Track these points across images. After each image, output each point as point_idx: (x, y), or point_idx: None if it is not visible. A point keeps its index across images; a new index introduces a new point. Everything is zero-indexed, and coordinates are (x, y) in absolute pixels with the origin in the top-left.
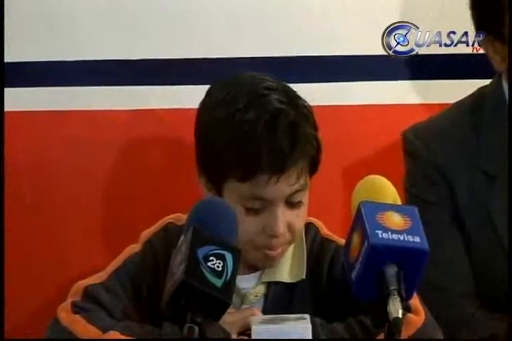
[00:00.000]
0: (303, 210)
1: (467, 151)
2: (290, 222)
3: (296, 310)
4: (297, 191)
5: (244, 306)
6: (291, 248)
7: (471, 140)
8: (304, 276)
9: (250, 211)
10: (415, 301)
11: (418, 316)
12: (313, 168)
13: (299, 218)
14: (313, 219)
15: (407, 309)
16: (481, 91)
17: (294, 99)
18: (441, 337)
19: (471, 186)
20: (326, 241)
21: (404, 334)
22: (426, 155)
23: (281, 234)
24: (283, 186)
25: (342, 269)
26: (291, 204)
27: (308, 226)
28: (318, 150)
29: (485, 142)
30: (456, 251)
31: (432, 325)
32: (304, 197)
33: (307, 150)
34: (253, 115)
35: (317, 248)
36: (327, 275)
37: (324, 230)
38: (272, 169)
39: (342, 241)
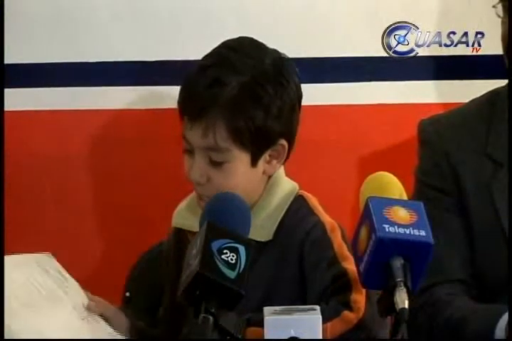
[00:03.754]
0: (226, 173)
1: (477, 139)
2: (211, 176)
3: (257, 269)
4: (212, 149)
5: None
6: (259, 209)
7: (482, 130)
8: (270, 237)
9: (185, 152)
10: (359, 297)
11: (354, 313)
12: (241, 138)
13: (223, 178)
14: (306, 193)
15: (345, 305)
16: (497, 88)
17: (256, 68)
18: (383, 334)
19: (477, 172)
20: (311, 213)
21: (338, 330)
22: (436, 141)
23: (197, 181)
24: (196, 135)
25: (313, 244)
26: (213, 161)
27: (298, 198)
28: (247, 123)
29: (495, 132)
30: (450, 241)
31: (372, 322)
32: (228, 162)
33: (219, 110)
34: (199, 69)
35: (299, 218)
36: (298, 246)
37: (314, 203)
38: (189, 113)
39: (327, 216)
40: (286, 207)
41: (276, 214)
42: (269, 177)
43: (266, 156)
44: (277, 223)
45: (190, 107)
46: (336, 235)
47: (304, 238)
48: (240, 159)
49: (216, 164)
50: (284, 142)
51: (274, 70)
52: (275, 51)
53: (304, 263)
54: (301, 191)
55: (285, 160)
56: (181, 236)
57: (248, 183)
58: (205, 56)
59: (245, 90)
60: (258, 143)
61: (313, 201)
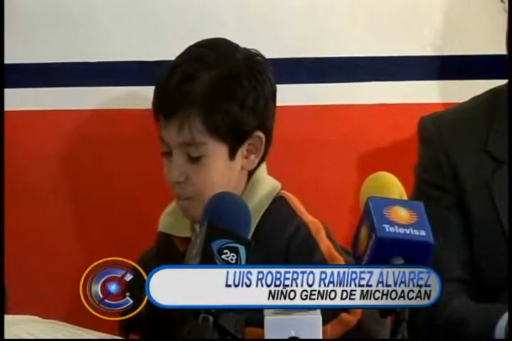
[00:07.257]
0: (205, 169)
1: (477, 137)
2: (188, 174)
3: None
4: (189, 144)
5: None
6: None
7: (483, 128)
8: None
9: (163, 155)
10: None
11: (352, 315)
12: (217, 131)
13: (199, 175)
14: (288, 194)
15: (341, 308)
16: (498, 86)
17: (226, 66)
18: (382, 335)
19: (477, 170)
20: (293, 214)
21: (339, 332)
22: (436, 138)
23: (176, 180)
24: (171, 131)
25: (299, 247)
26: (191, 157)
27: (278, 199)
28: (222, 116)
29: (495, 129)
30: (449, 240)
31: (370, 324)
32: (206, 156)
33: (193, 105)
34: (172, 67)
35: (280, 220)
36: (282, 249)
37: (295, 204)
38: (163, 111)
39: (309, 216)
40: (265, 208)
41: (255, 216)
42: (249, 177)
43: (243, 151)
44: (255, 225)
45: (164, 105)
46: (322, 236)
47: (288, 241)
48: (218, 152)
49: (194, 160)
50: (260, 134)
51: (247, 65)
52: (247, 50)
53: None
54: (282, 191)
55: (263, 156)
56: (167, 240)
57: (227, 180)
58: (178, 55)
59: (218, 84)
60: (234, 134)
61: (294, 202)
